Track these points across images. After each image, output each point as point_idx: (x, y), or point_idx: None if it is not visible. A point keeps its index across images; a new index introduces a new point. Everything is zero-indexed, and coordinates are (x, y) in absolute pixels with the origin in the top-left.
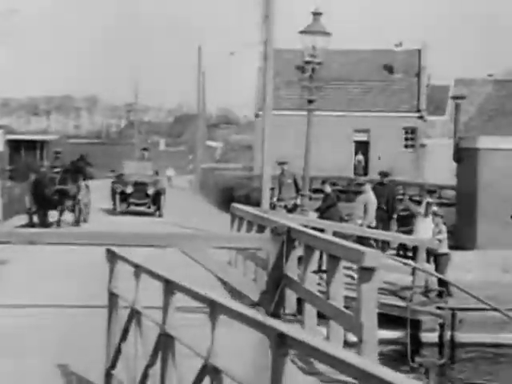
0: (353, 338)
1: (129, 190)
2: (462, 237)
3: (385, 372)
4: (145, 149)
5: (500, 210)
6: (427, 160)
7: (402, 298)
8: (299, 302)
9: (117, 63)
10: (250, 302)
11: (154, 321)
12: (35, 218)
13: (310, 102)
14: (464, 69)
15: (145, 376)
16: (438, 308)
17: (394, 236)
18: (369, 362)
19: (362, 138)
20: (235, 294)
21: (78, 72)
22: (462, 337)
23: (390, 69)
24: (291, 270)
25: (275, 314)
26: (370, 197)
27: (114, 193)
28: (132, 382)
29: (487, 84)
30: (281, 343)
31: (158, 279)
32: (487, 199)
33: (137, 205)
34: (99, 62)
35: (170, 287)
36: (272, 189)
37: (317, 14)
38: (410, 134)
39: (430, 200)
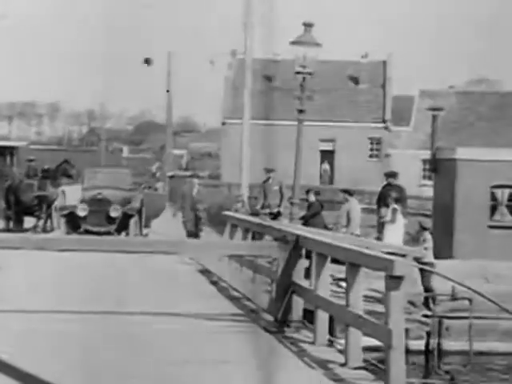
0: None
1: (81, 211)
2: (437, 246)
3: None
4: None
5: (477, 220)
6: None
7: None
8: (305, 309)
9: (80, 70)
10: (259, 308)
11: None
12: (11, 224)
13: (301, 111)
14: (426, 80)
15: None
16: (425, 316)
17: (382, 245)
18: None
19: (328, 147)
20: (242, 300)
21: (40, 78)
22: (449, 345)
23: (355, 79)
24: (299, 277)
25: (283, 321)
26: (353, 205)
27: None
28: None
29: (450, 96)
30: None
31: None
32: (464, 209)
33: (94, 233)
34: (62, 68)
35: None
36: (237, 196)
37: (308, 25)
38: (375, 144)
39: (395, 207)
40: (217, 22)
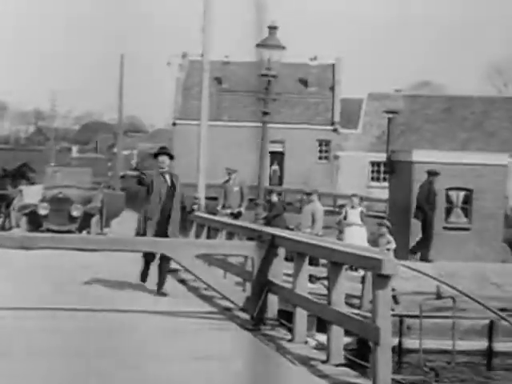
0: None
1: (42, 210)
2: None
3: None
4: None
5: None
6: (340, 172)
7: (351, 306)
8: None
9: (28, 69)
10: (236, 306)
11: None
12: None
13: (265, 114)
14: (373, 83)
15: None
16: None
17: (347, 245)
18: None
19: (278, 148)
20: (213, 298)
21: None
22: (410, 343)
23: (304, 82)
24: (275, 276)
25: (259, 319)
26: (318, 206)
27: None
28: None
29: (398, 99)
30: None
31: None
32: None
33: (55, 232)
34: (10, 67)
35: None
36: (194, 198)
37: (272, 28)
38: (324, 146)
39: (363, 209)
40: (167, 23)
